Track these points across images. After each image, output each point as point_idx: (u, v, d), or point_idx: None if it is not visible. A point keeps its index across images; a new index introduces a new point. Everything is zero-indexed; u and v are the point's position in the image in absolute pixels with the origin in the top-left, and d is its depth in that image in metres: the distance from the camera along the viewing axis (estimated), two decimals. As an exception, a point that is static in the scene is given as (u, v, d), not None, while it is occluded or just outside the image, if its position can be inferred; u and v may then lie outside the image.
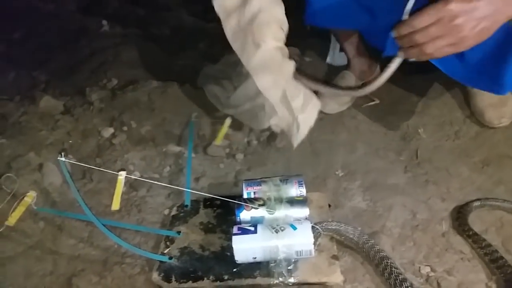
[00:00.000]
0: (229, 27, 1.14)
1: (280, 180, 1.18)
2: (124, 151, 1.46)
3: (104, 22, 2.29)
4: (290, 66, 1.10)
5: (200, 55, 2.08)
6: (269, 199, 1.12)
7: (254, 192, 1.16)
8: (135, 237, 1.20)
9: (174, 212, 1.25)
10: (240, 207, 1.11)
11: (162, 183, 1.08)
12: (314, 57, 1.87)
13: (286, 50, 1.12)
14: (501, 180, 1.27)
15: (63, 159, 0.95)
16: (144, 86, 1.66)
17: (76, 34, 2.23)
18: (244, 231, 1.04)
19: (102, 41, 2.14)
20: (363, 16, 1.34)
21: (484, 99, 1.46)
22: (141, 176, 1.38)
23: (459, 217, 1.15)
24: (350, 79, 1.62)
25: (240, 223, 1.10)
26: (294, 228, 1.03)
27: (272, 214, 1.09)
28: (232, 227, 1.06)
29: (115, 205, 0.98)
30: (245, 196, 1.17)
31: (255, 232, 1.03)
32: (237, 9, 1.13)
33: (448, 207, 1.20)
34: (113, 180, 1.35)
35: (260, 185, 1.18)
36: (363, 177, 1.33)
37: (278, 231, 1.03)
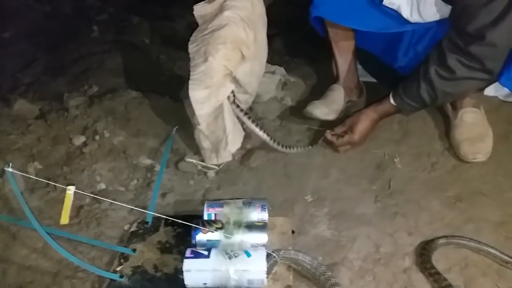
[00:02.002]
0: (197, 31, 1.18)
1: (243, 203, 1.15)
2: (93, 160, 1.43)
3: (95, 27, 2.28)
4: (228, 89, 1.14)
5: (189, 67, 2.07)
6: (228, 222, 1.09)
7: (215, 214, 1.14)
8: (91, 251, 1.17)
9: (133, 228, 1.22)
10: (197, 229, 1.08)
11: (116, 202, 1.05)
12: (299, 77, 1.85)
13: (231, 72, 1.15)
14: (472, 217, 1.23)
15: (10, 169, 0.92)
16: (122, 96, 1.64)
17: (66, 37, 2.22)
18: (197, 255, 1.01)
19: (90, 46, 2.13)
20: (376, 20, 1.39)
21: (463, 132, 1.44)
22: (106, 188, 1.35)
23: (423, 254, 1.11)
24: (339, 91, 1.63)
25: (196, 245, 1.07)
26: (249, 255, 1.00)
27: (229, 238, 1.06)
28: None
29: (64, 219, 0.95)
30: (205, 217, 1.14)
31: (207, 256, 1.00)
32: (212, 18, 1.17)
33: (413, 242, 1.17)
34: (79, 190, 1.34)
35: (222, 206, 1.15)
36: (331, 204, 1.29)
37: (231, 257, 1.00)
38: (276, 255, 1.04)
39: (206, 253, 1.01)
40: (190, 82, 1.13)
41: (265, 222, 1.10)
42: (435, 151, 1.48)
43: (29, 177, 1.33)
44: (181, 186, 1.39)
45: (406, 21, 1.33)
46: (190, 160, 1.43)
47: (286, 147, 1.42)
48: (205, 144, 1.24)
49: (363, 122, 1.41)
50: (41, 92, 1.79)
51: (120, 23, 2.41)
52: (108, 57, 2.00)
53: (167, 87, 1.84)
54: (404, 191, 1.34)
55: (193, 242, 1.07)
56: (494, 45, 1.13)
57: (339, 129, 1.43)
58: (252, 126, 1.30)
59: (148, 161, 1.46)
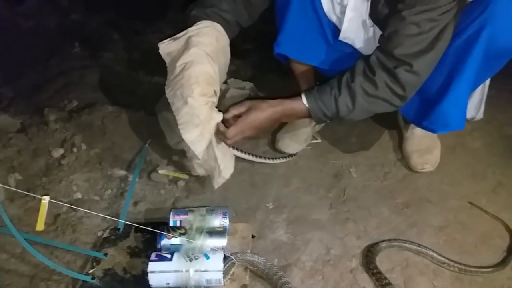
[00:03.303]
0: (169, 73, 1.23)
1: (207, 211, 1.26)
2: (71, 171, 1.53)
3: (76, 43, 2.38)
4: (216, 117, 1.19)
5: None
6: (190, 228, 1.19)
7: (180, 221, 1.24)
8: (66, 255, 1.27)
9: (106, 234, 1.32)
10: (162, 235, 1.18)
11: (91, 211, 1.14)
12: (268, 93, 1.96)
13: (214, 102, 1.20)
14: (416, 222, 1.36)
15: (-10, 182, 1.02)
16: (99, 110, 1.75)
17: (48, 53, 2.31)
18: (161, 258, 1.12)
19: (71, 62, 2.23)
20: (331, 56, 1.47)
21: (413, 144, 1.57)
22: (82, 198, 1.45)
23: (368, 256, 1.23)
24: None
25: (161, 249, 1.18)
26: (207, 257, 1.11)
27: (191, 243, 1.16)
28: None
29: (39, 226, 1.05)
30: (171, 223, 1.25)
31: (170, 259, 1.11)
32: (179, 55, 1.22)
33: (361, 245, 1.29)
34: (56, 200, 1.43)
35: (187, 214, 1.26)
36: (290, 211, 1.41)
37: (192, 259, 1.10)
38: (234, 257, 1.15)
39: (169, 256, 1.12)
40: (179, 126, 1.15)
41: (225, 228, 1.21)
42: (388, 161, 1.62)
43: (9, 188, 1.45)
44: (152, 195, 1.49)
45: (360, 55, 1.42)
46: (162, 172, 1.54)
47: (270, 159, 1.59)
48: (199, 171, 1.31)
49: (263, 113, 1.26)
50: (23, 106, 1.88)
51: (101, 39, 2.51)
52: (88, 72, 2.10)
53: (144, 101, 1.94)
54: (357, 198, 1.46)
55: (158, 246, 1.18)
56: (418, 74, 1.20)
57: (235, 111, 1.27)
58: (238, 153, 1.43)
59: (122, 172, 1.56)
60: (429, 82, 1.28)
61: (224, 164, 1.22)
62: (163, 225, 1.21)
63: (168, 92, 1.21)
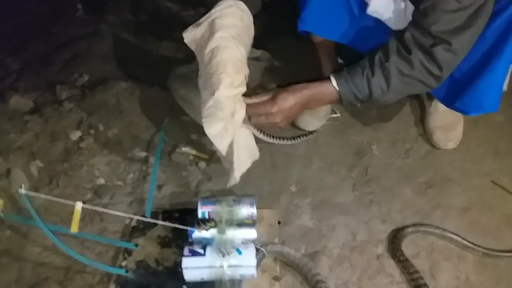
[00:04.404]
0: (199, 62, 1.19)
1: (234, 201, 1.26)
2: (91, 155, 1.52)
3: (79, 6, 2.26)
4: (242, 112, 1.16)
5: (176, 47, 2.10)
6: (220, 221, 1.21)
7: (208, 212, 1.25)
8: (97, 246, 1.29)
9: (134, 223, 1.33)
10: (193, 226, 1.20)
11: (117, 212, 1.14)
12: (283, 62, 1.91)
13: (242, 91, 1.16)
14: (440, 204, 1.37)
15: (23, 191, 1.01)
16: (113, 87, 1.70)
17: (51, 18, 2.21)
18: (194, 253, 1.14)
19: (77, 28, 2.13)
20: (357, 31, 1.41)
21: (437, 120, 1.54)
22: (105, 183, 1.45)
23: (394, 242, 1.26)
24: None
25: (192, 242, 1.19)
26: (240, 252, 1.13)
27: (222, 235, 1.18)
28: (185, 246, 1.16)
29: (73, 228, 1.06)
30: (199, 214, 1.25)
31: (203, 255, 1.13)
32: (205, 41, 1.17)
33: (386, 230, 1.31)
34: (80, 186, 1.44)
35: (215, 204, 1.26)
36: (314, 194, 1.42)
37: (225, 254, 1.12)
38: (264, 249, 1.18)
39: (202, 251, 1.13)
40: (203, 119, 1.11)
41: (254, 220, 1.22)
42: (410, 136, 1.60)
43: (32, 175, 1.45)
44: (174, 178, 1.49)
45: (389, 30, 1.36)
46: (184, 149, 1.53)
47: (290, 139, 1.55)
48: (225, 164, 1.23)
49: (291, 97, 1.19)
50: (33, 81, 1.82)
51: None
52: (94, 41, 2.02)
53: (155, 73, 1.88)
54: (379, 178, 1.47)
55: (190, 240, 1.19)
56: (456, 53, 1.14)
57: (261, 98, 1.21)
58: (259, 135, 1.37)
59: (142, 154, 1.55)
60: (463, 62, 1.21)
61: (239, 162, 1.18)
62: (192, 216, 1.23)
63: (201, 84, 1.18)
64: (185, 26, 1.21)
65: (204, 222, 1.21)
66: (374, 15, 1.34)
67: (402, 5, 1.28)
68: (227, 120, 1.14)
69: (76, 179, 1.46)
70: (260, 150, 1.52)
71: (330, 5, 1.37)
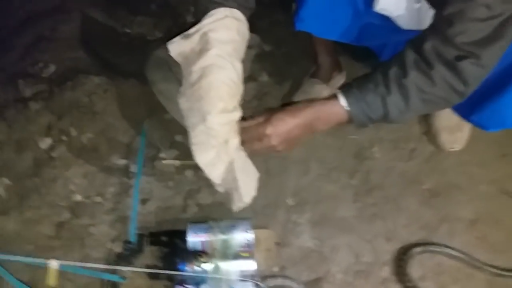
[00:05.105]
0: (184, 78, 1.02)
1: (227, 228, 1.15)
2: (64, 166, 1.36)
3: (39, -27, 1.98)
4: (237, 138, 1.02)
5: (153, 22, 1.89)
6: (214, 255, 1.10)
7: (201, 242, 1.14)
8: (82, 278, 1.16)
9: (117, 248, 1.22)
10: (183, 263, 1.09)
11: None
12: (274, 45, 1.73)
13: (235, 121, 1.02)
14: (446, 216, 1.29)
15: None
16: (84, 84, 1.50)
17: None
18: (187, 294, 1.04)
19: (37, 2, 1.87)
20: (362, 29, 1.24)
21: (443, 119, 1.43)
22: (83, 201, 1.31)
23: (400, 265, 1.18)
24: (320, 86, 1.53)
25: (184, 280, 1.09)
26: (237, 293, 1.04)
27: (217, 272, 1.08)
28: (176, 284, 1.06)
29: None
30: (190, 244, 1.14)
31: (197, 296, 1.03)
32: (196, 56, 1.00)
33: (391, 249, 1.23)
34: (55, 205, 1.30)
35: (207, 231, 1.15)
36: (313, 208, 1.31)
37: (221, 295, 1.03)
38: (264, 285, 1.08)
39: (195, 291, 1.04)
40: (192, 146, 0.99)
41: (251, 252, 1.12)
42: (413, 135, 1.49)
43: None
44: (160, 190, 1.36)
45: (397, 29, 1.19)
46: (166, 162, 1.39)
47: None
48: (219, 188, 1.08)
49: (291, 119, 1.04)
50: (-9, 71, 1.61)
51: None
52: (59, 21, 1.77)
53: (130, 55, 1.70)
54: (382, 185, 1.37)
55: (181, 277, 1.09)
56: (485, 67, 0.97)
57: (256, 120, 1.07)
58: None
59: (122, 162, 1.40)
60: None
61: (246, 187, 1.06)
62: (181, 241, 1.13)
63: (183, 103, 1.02)
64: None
65: (196, 256, 1.10)
66: (383, 12, 1.16)
67: (417, 6, 1.11)
68: (220, 147, 1.01)
69: (49, 196, 1.31)
70: (253, 156, 1.39)
71: (332, 0, 1.19)
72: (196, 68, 0.99)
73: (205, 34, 1.00)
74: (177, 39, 1.03)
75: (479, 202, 1.32)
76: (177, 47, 1.02)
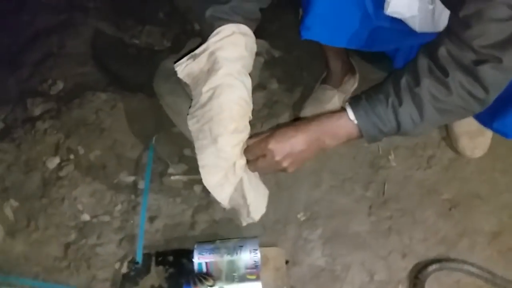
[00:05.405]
0: (194, 98, 1.01)
1: (234, 248, 1.12)
2: (72, 186, 1.35)
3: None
4: (244, 158, 1.00)
5: (161, 32, 1.86)
6: (219, 278, 1.07)
7: (206, 263, 1.11)
8: (88, 301, 1.16)
9: (124, 269, 1.20)
10: (188, 285, 1.07)
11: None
12: (284, 50, 1.67)
13: (244, 140, 1.00)
14: (466, 230, 1.22)
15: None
16: (91, 101, 1.49)
17: (14, 4, 1.94)
18: (192, 321, 1.01)
19: (44, 17, 1.87)
20: (372, 34, 1.18)
21: (463, 124, 1.34)
22: (91, 220, 1.30)
23: (416, 284, 1.12)
24: (331, 94, 1.47)
25: (189, 303, 1.06)
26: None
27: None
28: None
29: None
30: (195, 266, 1.11)
31: (203, 323, 1.00)
32: (205, 77, 0.98)
33: (407, 266, 1.17)
34: (63, 225, 1.30)
35: (213, 253, 1.12)
36: (325, 223, 1.26)
37: (227, 322, 1.00)
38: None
39: (201, 317, 1.01)
40: (200, 168, 0.97)
41: (258, 275, 1.08)
42: (431, 141, 1.41)
43: (7, 218, 1.30)
44: (168, 206, 1.33)
45: (411, 32, 1.12)
46: (175, 178, 1.37)
47: None
48: (225, 204, 1.06)
49: (297, 135, 0.99)
50: (0, 92, 1.61)
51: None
52: (67, 34, 1.77)
53: (138, 66, 1.68)
54: (398, 197, 1.31)
55: (186, 301, 1.06)
56: (507, 70, 0.88)
57: (259, 137, 1.03)
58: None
59: (130, 178, 1.38)
60: None
61: (255, 204, 1.03)
62: (188, 260, 1.12)
63: (193, 124, 0.99)
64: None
65: (201, 279, 1.07)
66: (395, 15, 1.09)
67: (430, 7, 1.04)
68: (229, 169, 0.99)
69: (57, 217, 1.30)
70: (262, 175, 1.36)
71: (340, 5, 1.12)
72: (206, 88, 0.97)
73: (212, 54, 0.97)
74: (184, 60, 1.01)
75: (501, 213, 1.24)
76: (185, 69, 1.00)
